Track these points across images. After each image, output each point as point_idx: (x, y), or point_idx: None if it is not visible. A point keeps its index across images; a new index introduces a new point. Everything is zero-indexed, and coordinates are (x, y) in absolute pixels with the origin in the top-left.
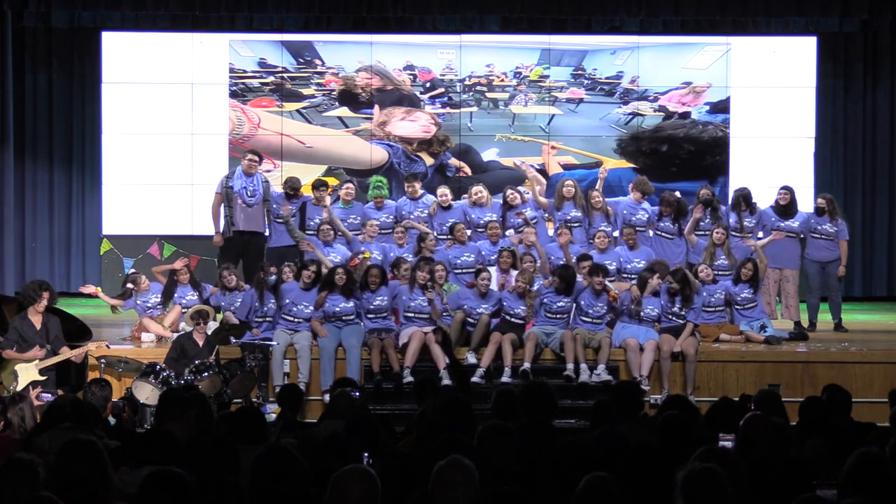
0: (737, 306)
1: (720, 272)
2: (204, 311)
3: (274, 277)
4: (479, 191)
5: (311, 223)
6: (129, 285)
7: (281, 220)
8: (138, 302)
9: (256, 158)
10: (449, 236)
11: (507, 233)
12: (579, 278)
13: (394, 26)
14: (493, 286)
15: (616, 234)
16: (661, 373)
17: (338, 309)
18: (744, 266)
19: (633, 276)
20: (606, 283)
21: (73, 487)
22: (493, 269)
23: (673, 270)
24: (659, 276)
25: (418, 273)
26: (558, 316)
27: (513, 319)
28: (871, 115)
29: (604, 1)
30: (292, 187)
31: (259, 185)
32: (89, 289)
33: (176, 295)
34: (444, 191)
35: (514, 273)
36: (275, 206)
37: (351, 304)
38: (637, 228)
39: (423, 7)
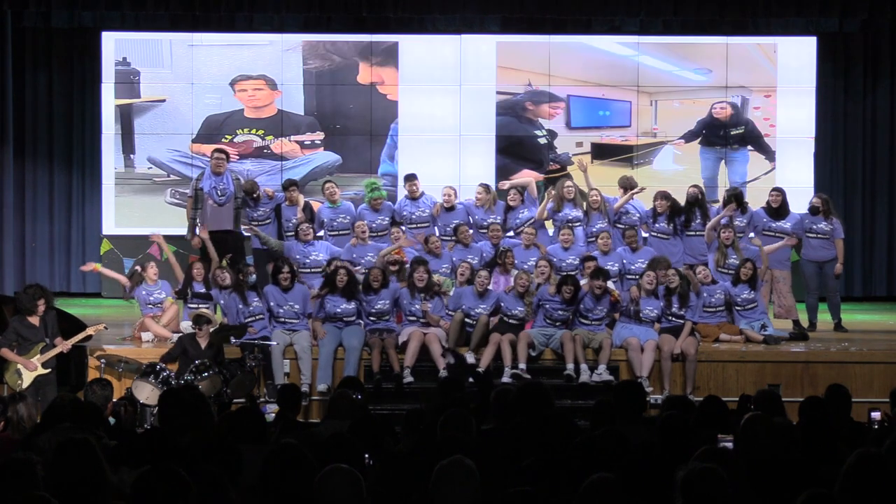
0: (737, 307)
1: (733, 271)
2: (204, 316)
3: (254, 277)
4: (479, 192)
5: (289, 224)
6: (137, 268)
7: (252, 233)
8: (143, 292)
9: (223, 156)
10: (452, 238)
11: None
12: (582, 282)
13: (394, 26)
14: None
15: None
16: (661, 373)
17: (339, 310)
18: (742, 266)
19: (636, 278)
20: (608, 285)
21: (70, 487)
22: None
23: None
24: (656, 272)
25: (415, 276)
26: (558, 323)
27: (511, 320)
28: (871, 115)
29: (604, 1)
30: (245, 192)
31: (230, 184)
32: (89, 266)
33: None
34: (448, 191)
35: (511, 274)
36: (247, 209)
37: (352, 305)
38: (630, 227)
39: (423, 7)
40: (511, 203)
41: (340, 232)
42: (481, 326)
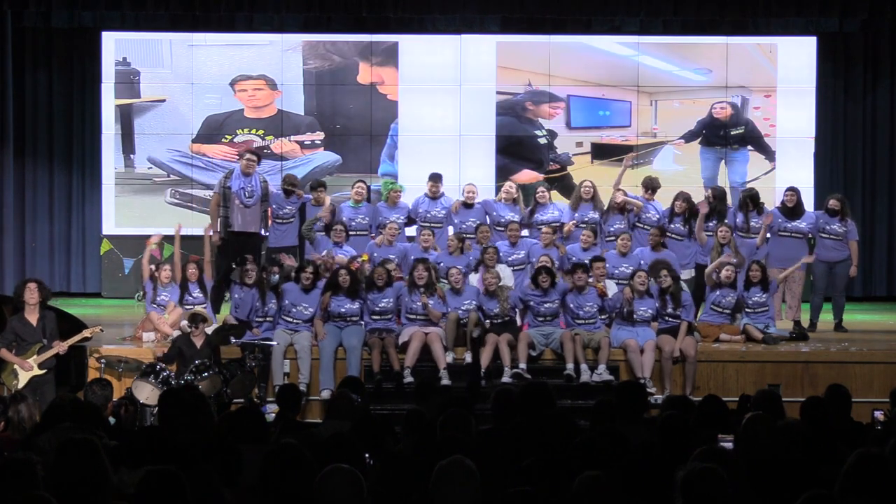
0: (748, 309)
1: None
2: (199, 315)
3: (276, 277)
4: (511, 188)
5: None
6: (151, 266)
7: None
8: (154, 291)
9: (254, 158)
10: (470, 235)
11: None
12: (562, 281)
13: (394, 26)
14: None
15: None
16: (662, 373)
17: (343, 310)
18: (750, 269)
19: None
20: (589, 278)
21: (71, 487)
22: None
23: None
24: (648, 276)
25: (415, 274)
26: (548, 318)
27: (496, 320)
28: (871, 115)
29: (604, 1)
30: (291, 184)
31: (257, 186)
32: (154, 238)
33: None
34: (470, 188)
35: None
36: (274, 206)
37: (356, 304)
38: (647, 227)
39: (423, 7)
40: (540, 200)
41: (358, 232)
42: (472, 324)
